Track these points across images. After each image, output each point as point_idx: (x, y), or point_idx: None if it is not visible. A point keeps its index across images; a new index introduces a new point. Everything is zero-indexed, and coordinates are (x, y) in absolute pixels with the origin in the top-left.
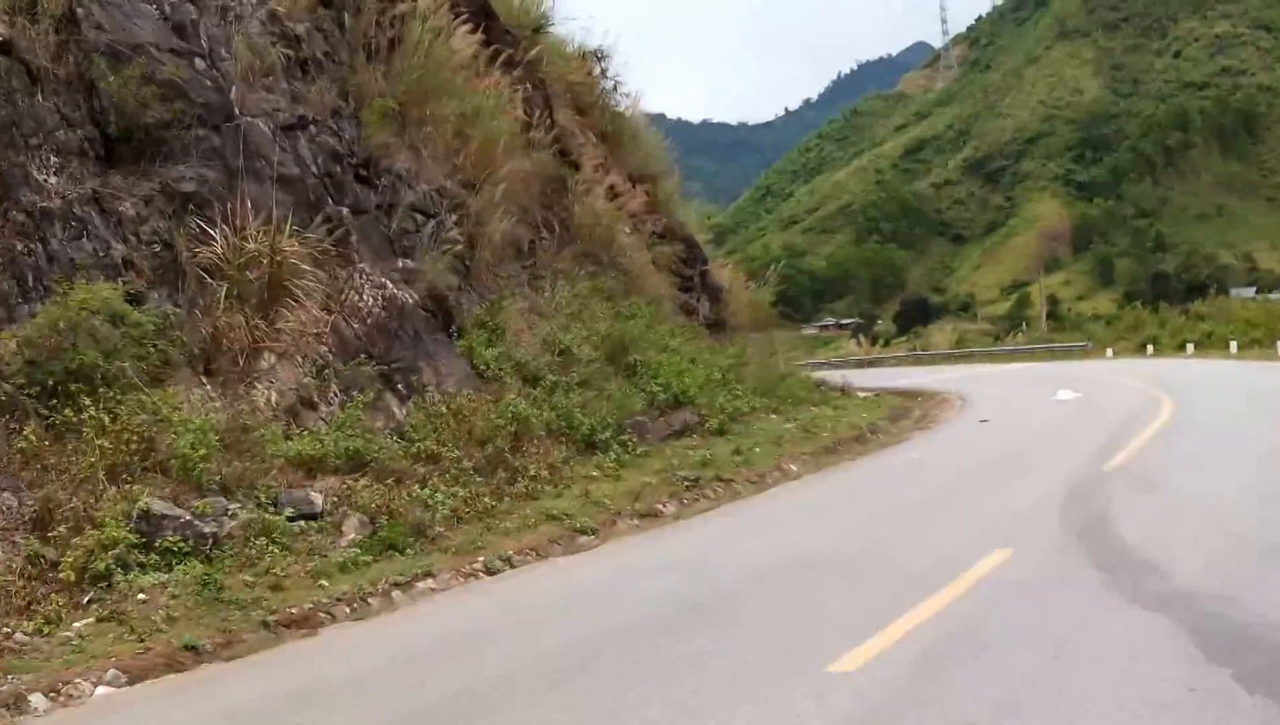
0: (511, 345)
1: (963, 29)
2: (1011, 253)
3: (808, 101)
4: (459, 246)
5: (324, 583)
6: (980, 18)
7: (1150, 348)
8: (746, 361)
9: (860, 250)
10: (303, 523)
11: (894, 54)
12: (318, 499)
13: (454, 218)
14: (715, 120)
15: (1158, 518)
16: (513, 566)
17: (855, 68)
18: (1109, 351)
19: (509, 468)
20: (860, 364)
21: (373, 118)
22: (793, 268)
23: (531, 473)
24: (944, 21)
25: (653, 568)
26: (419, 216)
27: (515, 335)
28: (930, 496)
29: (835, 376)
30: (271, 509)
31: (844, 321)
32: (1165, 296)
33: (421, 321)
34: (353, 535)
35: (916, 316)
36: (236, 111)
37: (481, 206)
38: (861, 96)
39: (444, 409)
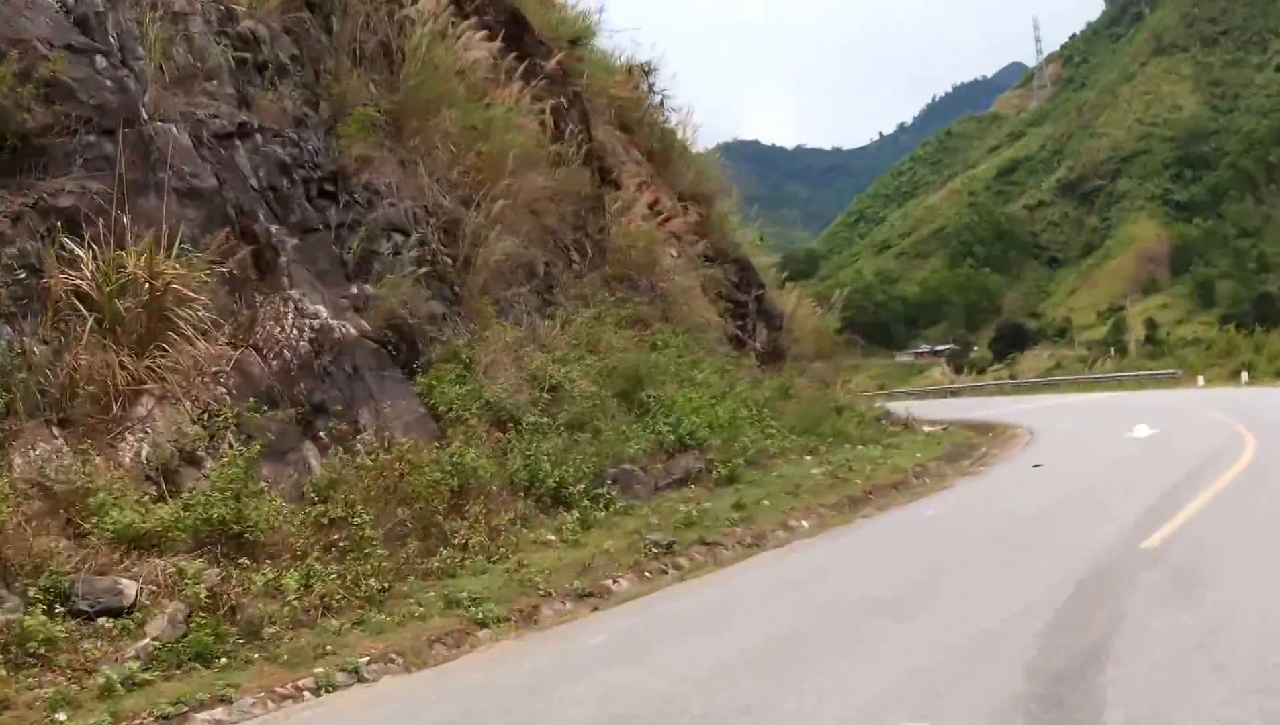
0: (487, 381)
1: (1057, 47)
2: (1108, 275)
3: (902, 125)
4: (441, 268)
5: (61, 716)
6: (1074, 35)
7: (1245, 375)
8: (793, 394)
9: (954, 275)
10: (104, 621)
11: (989, 75)
12: (130, 588)
13: (439, 237)
14: (809, 146)
15: (1179, 664)
16: (362, 680)
17: (950, 90)
18: (1200, 379)
19: (437, 533)
20: (945, 393)
21: (352, 128)
22: (885, 293)
23: (460, 540)
24: (1038, 40)
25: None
26: (398, 236)
27: (493, 369)
28: (898, 591)
29: (903, 409)
30: (45, 605)
31: (939, 348)
32: (1269, 319)
33: (369, 356)
34: (146, 641)
35: (1012, 342)
36: (144, 116)
37: (479, 225)
38: (955, 119)
39: (369, 461)
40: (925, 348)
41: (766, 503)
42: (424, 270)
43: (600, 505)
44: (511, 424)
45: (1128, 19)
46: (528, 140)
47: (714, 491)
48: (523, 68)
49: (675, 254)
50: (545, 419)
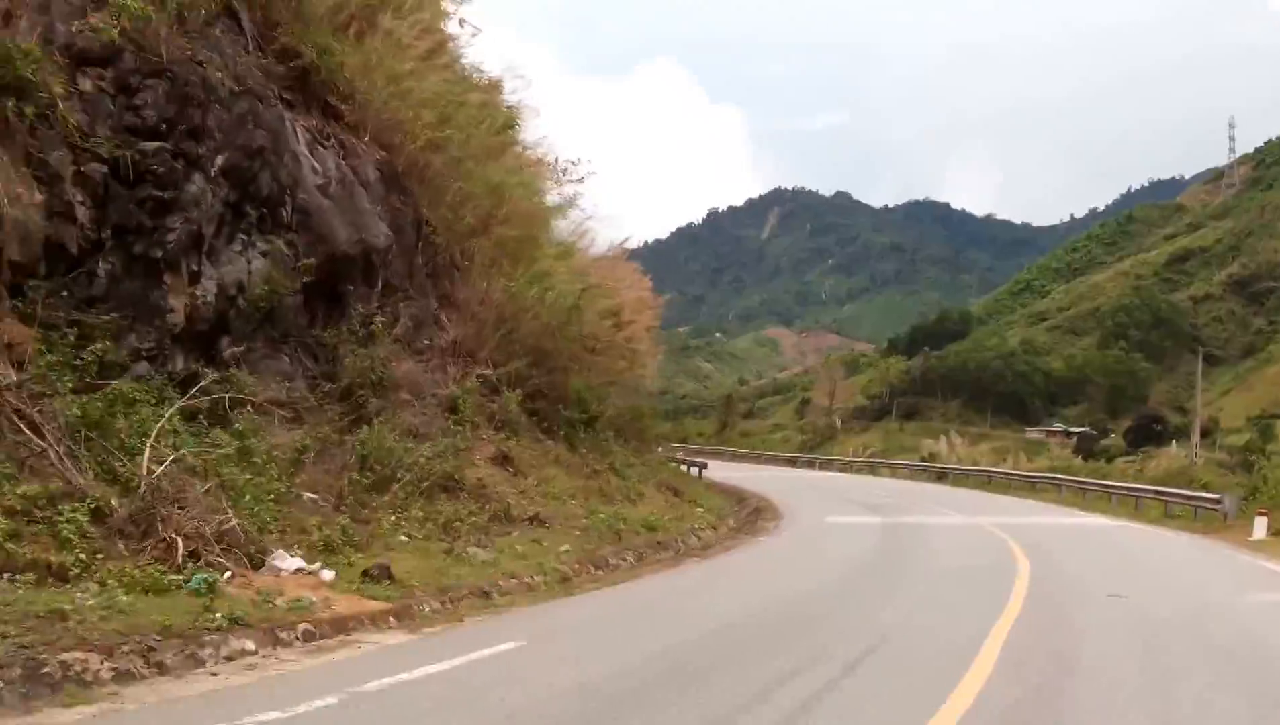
0: None
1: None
2: (1265, 381)
3: (1094, 210)
4: None
5: None
6: (1270, 140)
7: None
8: None
9: (1103, 356)
10: None
11: (1186, 176)
12: None
13: None
14: (999, 217)
15: None
16: None
17: (1146, 184)
18: (1258, 527)
19: None
20: (934, 477)
21: None
22: (1029, 365)
23: None
24: (1232, 139)
25: None
26: None
27: None
28: None
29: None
30: None
31: (1072, 429)
32: None
33: None
34: None
35: (1149, 435)
36: None
37: None
38: (1138, 205)
39: None
40: (1058, 427)
41: None
42: None
43: None
44: None
45: None
46: None
47: None
48: None
49: None
50: None
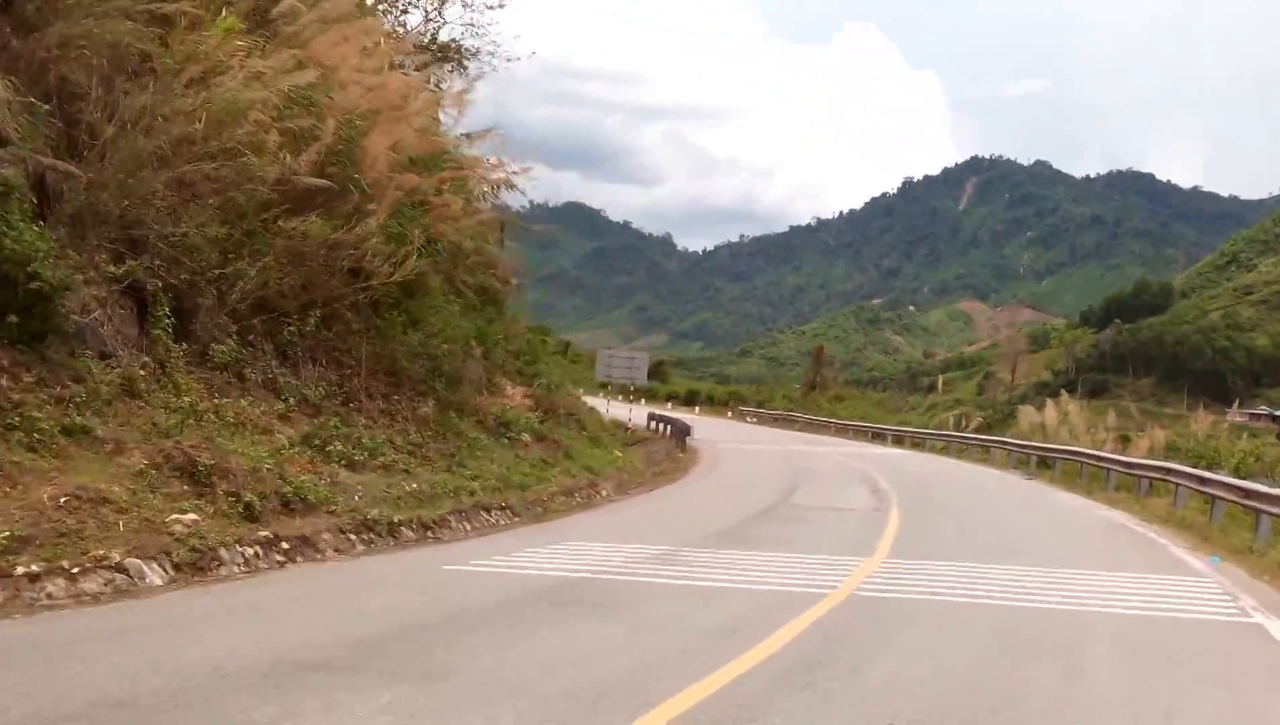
0: None
1: None
2: None
3: None
4: None
5: None
6: None
7: None
8: None
9: None
10: None
11: None
12: None
13: None
14: (1206, 189)
15: None
16: None
17: None
18: None
19: None
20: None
21: None
22: (1229, 341)
23: None
24: None
25: None
26: None
27: None
28: None
29: None
30: None
31: (1278, 413)
32: None
33: None
34: None
35: None
36: None
37: None
38: None
39: None
40: (1263, 410)
41: None
42: None
43: None
44: None
45: None
46: None
47: None
48: None
49: None
50: None
